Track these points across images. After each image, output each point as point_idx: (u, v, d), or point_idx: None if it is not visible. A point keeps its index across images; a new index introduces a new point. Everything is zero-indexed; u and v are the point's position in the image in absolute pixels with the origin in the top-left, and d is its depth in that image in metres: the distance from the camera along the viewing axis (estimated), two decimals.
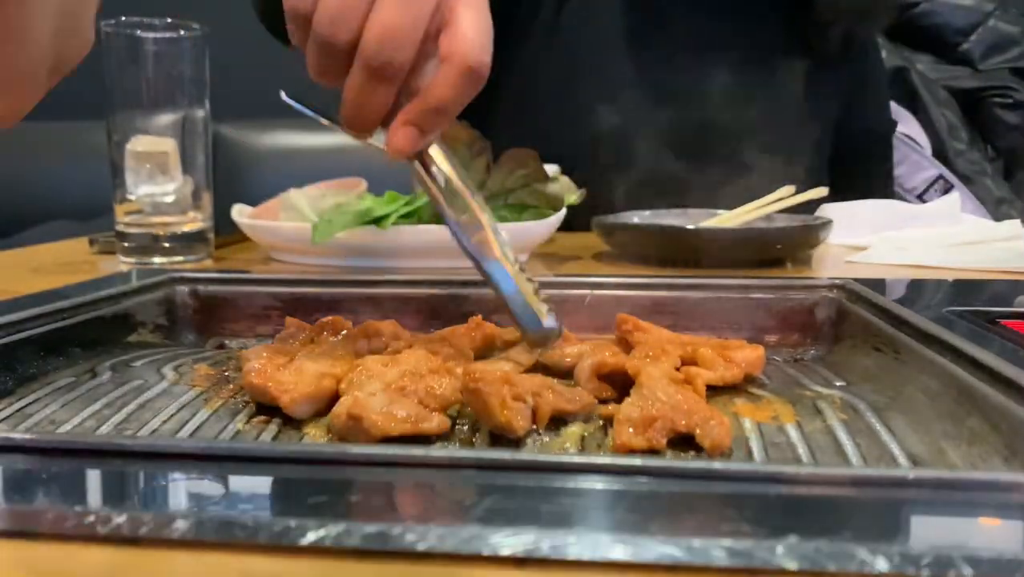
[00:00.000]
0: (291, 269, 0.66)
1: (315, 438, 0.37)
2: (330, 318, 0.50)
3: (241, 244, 0.81)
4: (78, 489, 0.26)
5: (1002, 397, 0.34)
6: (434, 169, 0.44)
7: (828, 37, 0.99)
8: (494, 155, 0.70)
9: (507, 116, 0.99)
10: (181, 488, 0.27)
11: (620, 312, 0.48)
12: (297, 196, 0.73)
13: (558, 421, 0.38)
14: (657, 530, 0.23)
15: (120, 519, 0.24)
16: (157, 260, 0.69)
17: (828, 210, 0.85)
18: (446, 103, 0.42)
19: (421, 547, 0.22)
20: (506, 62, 1.03)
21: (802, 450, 0.35)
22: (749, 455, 0.35)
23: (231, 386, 0.44)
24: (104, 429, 0.38)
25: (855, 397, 0.41)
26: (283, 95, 0.46)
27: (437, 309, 0.57)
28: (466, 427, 0.38)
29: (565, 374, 0.44)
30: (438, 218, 0.69)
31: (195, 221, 0.71)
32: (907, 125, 1.29)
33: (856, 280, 0.55)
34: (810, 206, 0.78)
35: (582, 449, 0.36)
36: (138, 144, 0.68)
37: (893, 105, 1.26)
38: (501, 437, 0.36)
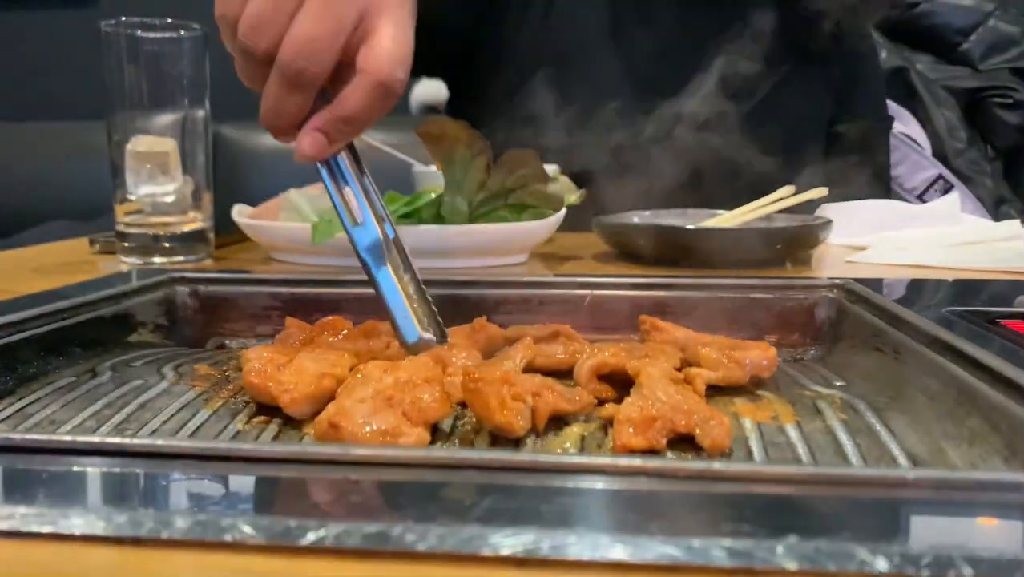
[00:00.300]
0: (291, 269, 0.66)
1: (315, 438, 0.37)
2: (330, 318, 0.50)
3: (241, 244, 0.80)
4: (78, 489, 0.26)
5: (1002, 397, 0.34)
6: (339, 175, 0.46)
7: (817, 32, 0.99)
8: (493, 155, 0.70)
9: (498, 110, 0.99)
10: (181, 488, 0.27)
11: (620, 312, 0.48)
12: (297, 196, 0.73)
13: (558, 421, 0.38)
14: (657, 530, 0.23)
15: (120, 519, 0.24)
16: (157, 260, 0.69)
17: (828, 210, 0.85)
18: (356, 114, 0.43)
19: (421, 547, 0.22)
20: (497, 55, 1.04)
21: (802, 450, 0.35)
22: (749, 455, 0.35)
23: (231, 386, 0.44)
24: (104, 429, 0.38)
25: (855, 397, 0.41)
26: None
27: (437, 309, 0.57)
28: (467, 426, 0.38)
29: (565, 374, 0.44)
30: (438, 218, 0.70)
31: (195, 221, 0.71)
32: (907, 125, 1.29)
33: (856, 280, 0.55)
34: (810, 206, 0.78)
35: (582, 449, 0.36)
36: (138, 144, 0.68)
37: (893, 105, 1.26)
38: (501, 437, 0.36)
